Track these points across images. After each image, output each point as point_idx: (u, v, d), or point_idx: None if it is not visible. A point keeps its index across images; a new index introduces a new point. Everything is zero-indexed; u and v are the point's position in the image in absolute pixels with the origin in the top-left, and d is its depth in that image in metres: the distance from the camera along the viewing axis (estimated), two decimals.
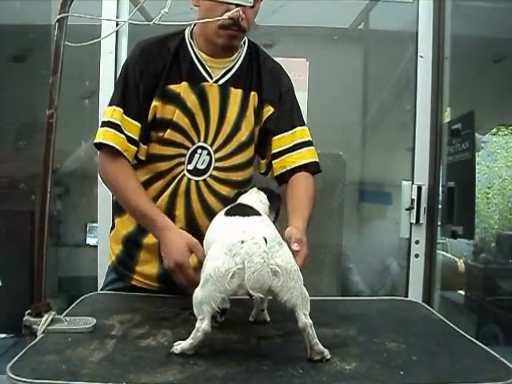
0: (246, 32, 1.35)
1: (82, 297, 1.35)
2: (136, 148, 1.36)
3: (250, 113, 1.41)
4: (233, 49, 1.39)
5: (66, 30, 1.12)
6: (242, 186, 1.39)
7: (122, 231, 1.46)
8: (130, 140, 1.34)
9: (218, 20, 1.28)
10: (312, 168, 1.43)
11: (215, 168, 1.40)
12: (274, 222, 1.21)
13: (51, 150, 1.11)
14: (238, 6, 1.25)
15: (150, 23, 1.12)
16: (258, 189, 1.23)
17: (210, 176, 1.40)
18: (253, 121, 1.42)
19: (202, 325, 0.93)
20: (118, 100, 1.36)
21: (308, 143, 1.44)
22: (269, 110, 1.43)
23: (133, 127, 1.35)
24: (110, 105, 1.37)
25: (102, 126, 1.36)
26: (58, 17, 1.11)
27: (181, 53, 1.38)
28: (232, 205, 1.17)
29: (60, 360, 0.93)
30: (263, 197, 1.19)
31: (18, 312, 1.12)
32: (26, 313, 1.09)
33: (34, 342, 1.03)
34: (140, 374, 0.88)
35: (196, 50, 1.39)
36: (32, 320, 1.07)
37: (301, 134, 1.44)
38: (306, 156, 1.42)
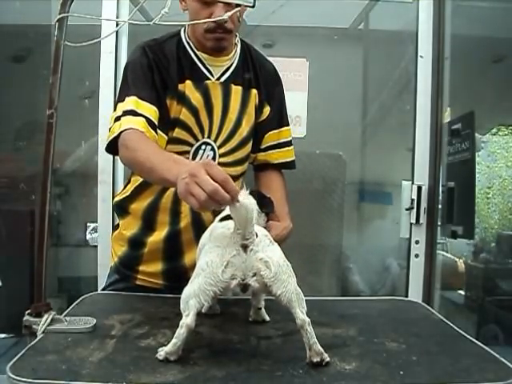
0: (232, 33, 1.37)
1: (82, 297, 1.35)
2: (155, 134, 1.28)
3: (251, 109, 1.45)
4: (223, 50, 1.40)
5: (66, 30, 1.12)
6: (239, 179, 1.47)
7: (126, 233, 1.47)
8: (149, 123, 1.26)
9: (205, 23, 1.30)
10: (290, 166, 1.56)
11: (219, 164, 1.41)
12: (266, 222, 1.22)
13: (51, 150, 1.11)
14: (237, 5, 1.26)
15: (150, 23, 1.12)
16: (249, 193, 1.23)
17: None
18: (253, 117, 1.46)
19: (186, 320, 0.92)
20: (128, 91, 1.31)
21: (290, 143, 1.55)
22: (267, 111, 1.49)
23: (150, 110, 1.28)
24: (121, 101, 1.31)
25: (116, 121, 1.28)
26: (58, 17, 1.11)
27: (181, 54, 1.40)
28: (225, 214, 1.16)
29: (60, 360, 0.93)
30: (252, 202, 1.19)
31: (17, 312, 1.12)
32: (26, 313, 1.09)
33: (34, 342, 1.03)
34: (140, 374, 0.88)
35: (195, 50, 1.41)
36: (32, 320, 1.07)
37: (286, 133, 1.54)
38: (287, 155, 1.54)
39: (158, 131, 1.32)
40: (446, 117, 2.30)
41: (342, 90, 2.55)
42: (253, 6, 1.27)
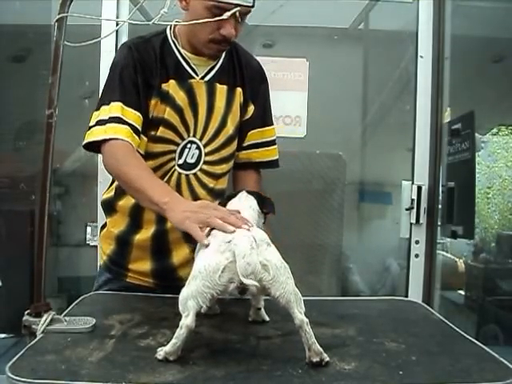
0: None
1: (82, 297, 1.35)
2: (139, 140, 1.34)
3: (236, 108, 1.46)
4: (218, 58, 1.42)
5: (66, 29, 1.12)
6: (224, 177, 1.49)
7: (114, 231, 1.47)
8: (134, 130, 1.31)
9: (212, 34, 1.31)
10: (272, 165, 1.55)
11: (205, 162, 1.43)
12: (263, 223, 1.22)
13: (51, 150, 1.11)
14: (237, 5, 1.26)
15: (150, 23, 1.12)
16: (248, 193, 1.22)
17: (200, 170, 1.43)
18: (238, 115, 1.47)
19: (186, 321, 0.92)
20: (114, 95, 1.33)
21: (273, 142, 1.55)
22: (251, 110, 1.49)
23: (135, 117, 1.32)
24: (105, 104, 1.34)
25: (100, 125, 1.31)
26: (58, 17, 1.11)
27: (165, 52, 1.40)
28: None
29: (59, 360, 0.93)
30: (253, 202, 1.19)
31: (18, 312, 1.12)
32: (26, 313, 1.08)
33: (34, 342, 1.03)
34: (139, 374, 0.88)
35: (180, 49, 1.41)
36: (31, 320, 1.07)
37: (269, 133, 1.54)
38: (270, 154, 1.54)
39: (142, 136, 1.36)
40: (446, 117, 2.30)
41: (342, 90, 2.55)
42: (252, 6, 1.27)
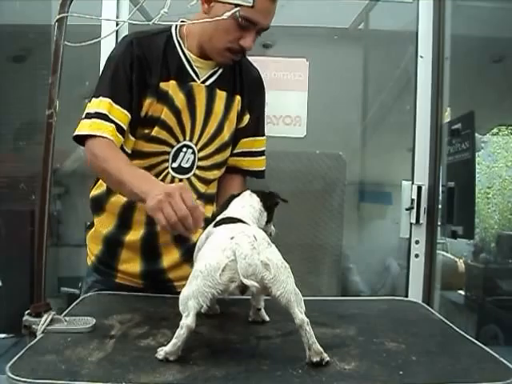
0: None
1: (82, 297, 1.35)
2: (123, 138, 1.32)
3: (233, 115, 1.45)
4: (227, 66, 1.42)
5: (66, 29, 1.12)
6: (214, 182, 1.49)
7: (102, 231, 1.45)
8: (118, 129, 1.30)
9: (231, 42, 1.32)
10: (258, 175, 1.56)
11: (197, 167, 1.43)
12: (267, 222, 1.21)
13: (51, 150, 1.11)
14: (237, 5, 1.25)
15: (150, 23, 1.12)
16: (252, 191, 1.22)
17: (193, 175, 1.42)
18: (235, 123, 1.46)
19: (186, 320, 0.91)
20: (105, 90, 1.32)
21: (263, 153, 1.55)
22: (246, 119, 1.49)
23: (122, 116, 1.31)
24: (95, 96, 1.33)
25: (87, 118, 1.31)
26: (58, 17, 1.11)
27: (168, 51, 1.39)
28: (220, 218, 1.14)
29: (59, 360, 0.93)
30: (255, 201, 1.18)
31: (18, 312, 1.12)
32: (26, 313, 1.08)
33: (34, 342, 1.02)
34: (139, 374, 0.88)
35: (185, 50, 1.40)
36: (31, 320, 1.07)
37: (259, 143, 1.54)
38: (258, 164, 1.54)
39: (127, 134, 1.35)
40: (446, 117, 2.31)
41: (342, 89, 2.55)
42: (252, 6, 1.27)
